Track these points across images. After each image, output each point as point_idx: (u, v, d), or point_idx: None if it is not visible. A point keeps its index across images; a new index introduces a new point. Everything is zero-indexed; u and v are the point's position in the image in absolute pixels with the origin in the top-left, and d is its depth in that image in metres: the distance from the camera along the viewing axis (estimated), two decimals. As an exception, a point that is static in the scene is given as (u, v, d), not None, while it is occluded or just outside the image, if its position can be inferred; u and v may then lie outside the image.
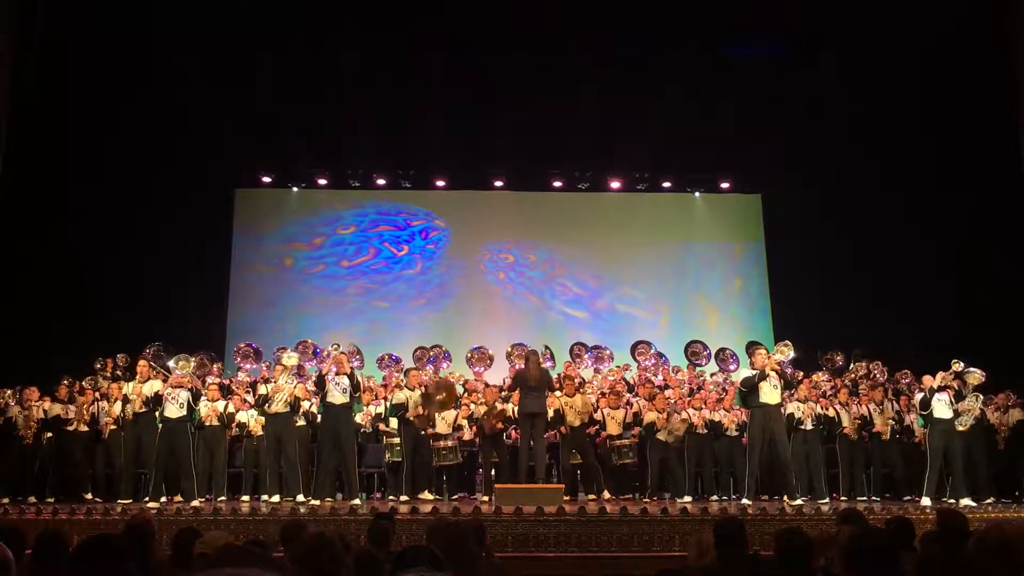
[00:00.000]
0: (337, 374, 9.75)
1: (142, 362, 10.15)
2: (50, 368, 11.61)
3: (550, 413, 10.32)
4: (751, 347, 10.47)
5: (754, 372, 9.59)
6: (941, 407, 9.80)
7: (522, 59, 13.31)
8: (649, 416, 10.79)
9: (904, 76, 13.07)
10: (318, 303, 15.21)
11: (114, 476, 10.17)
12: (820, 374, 11.92)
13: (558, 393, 10.66)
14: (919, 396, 10.04)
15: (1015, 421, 11.07)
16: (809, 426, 10.56)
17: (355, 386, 9.80)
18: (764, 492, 10.54)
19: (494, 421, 10.31)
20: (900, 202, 13.83)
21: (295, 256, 15.47)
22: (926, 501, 9.44)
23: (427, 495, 10.18)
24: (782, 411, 9.83)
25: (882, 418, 10.88)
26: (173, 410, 9.58)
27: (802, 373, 11.41)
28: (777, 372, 9.55)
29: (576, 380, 11.06)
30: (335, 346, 10.28)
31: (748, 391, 9.59)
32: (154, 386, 9.79)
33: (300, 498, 9.41)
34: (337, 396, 9.67)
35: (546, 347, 12.44)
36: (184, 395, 9.64)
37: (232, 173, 15.13)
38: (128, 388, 9.98)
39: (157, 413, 9.65)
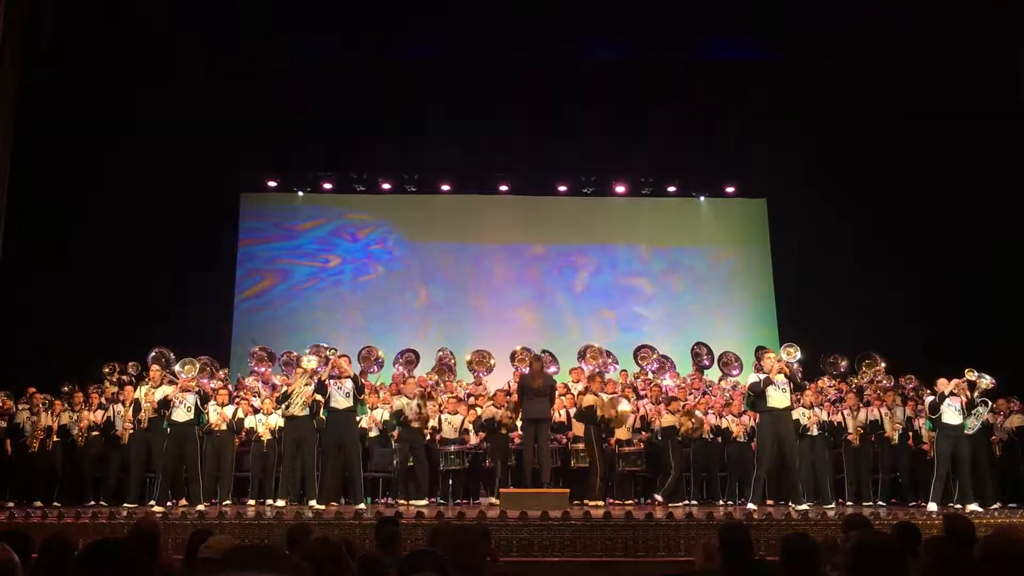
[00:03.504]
0: (339, 378, 9.77)
1: (155, 367, 10.18)
2: (54, 371, 11.67)
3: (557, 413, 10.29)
4: (759, 351, 10.48)
5: (760, 377, 9.59)
6: (950, 413, 9.76)
7: (527, 64, 13.34)
8: (668, 419, 10.81)
9: (906, 77, 13.06)
10: (324, 306, 15.24)
11: (127, 481, 10.18)
12: (825, 379, 11.91)
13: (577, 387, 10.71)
14: (929, 400, 10.01)
15: (1015, 427, 11.03)
16: (815, 432, 10.55)
17: (359, 389, 9.83)
18: (770, 496, 10.53)
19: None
20: (904, 205, 13.82)
21: (300, 260, 15.49)
22: (932, 506, 9.41)
23: (422, 501, 10.18)
24: (791, 415, 9.81)
25: (891, 422, 10.86)
26: (180, 414, 9.62)
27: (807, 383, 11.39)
28: (785, 375, 9.55)
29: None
30: (333, 351, 10.28)
31: (756, 396, 9.59)
32: (163, 390, 9.81)
33: (313, 503, 9.42)
34: (340, 400, 9.69)
35: (545, 351, 12.45)
36: (191, 399, 9.67)
37: (237, 177, 15.17)
38: (140, 393, 10.01)
39: (165, 417, 9.67)
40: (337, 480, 10.06)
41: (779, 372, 9.54)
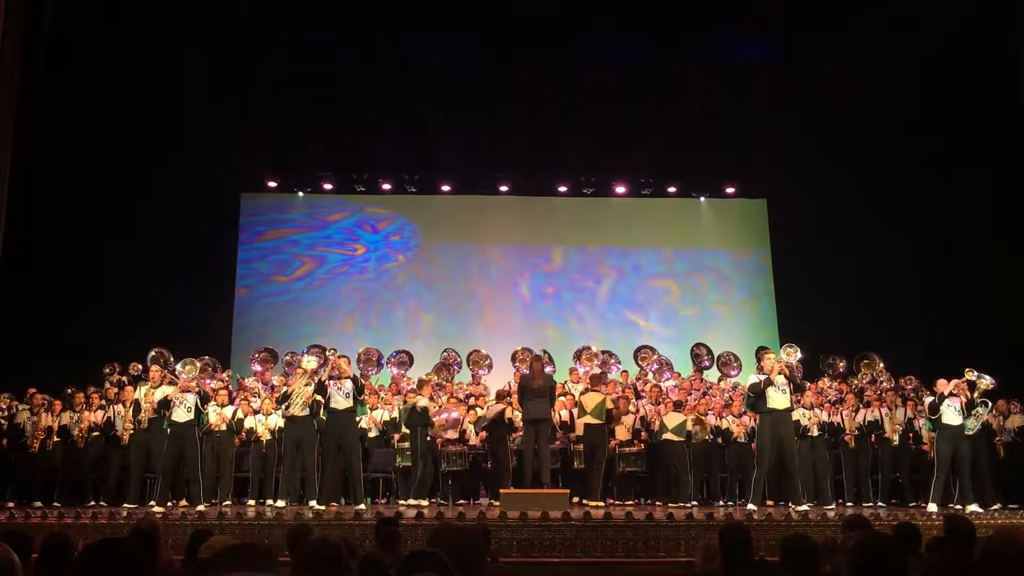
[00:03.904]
0: (339, 379, 9.76)
1: (154, 368, 10.17)
2: (54, 371, 11.67)
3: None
4: (760, 352, 10.49)
5: (761, 378, 9.59)
6: (951, 413, 9.75)
7: (527, 64, 13.33)
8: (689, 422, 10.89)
9: (905, 76, 13.05)
10: (324, 306, 15.24)
11: (127, 481, 10.18)
12: (826, 380, 11.91)
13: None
14: (929, 400, 10.00)
15: (1016, 427, 11.01)
16: (815, 432, 10.54)
17: (359, 389, 9.82)
18: (771, 497, 10.52)
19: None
20: (904, 204, 13.81)
21: (300, 260, 15.49)
22: (932, 507, 9.40)
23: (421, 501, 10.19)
24: (791, 415, 9.81)
25: (892, 423, 10.84)
26: (181, 414, 9.62)
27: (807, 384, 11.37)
28: (785, 376, 9.55)
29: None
30: (333, 351, 10.29)
31: (756, 396, 9.59)
32: (163, 391, 9.80)
33: (313, 503, 9.42)
34: (340, 401, 9.69)
35: (544, 351, 12.45)
36: (192, 399, 9.67)
37: (237, 177, 15.17)
38: (140, 393, 10.00)
39: (165, 417, 9.67)
40: (337, 480, 10.06)
41: (779, 373, 9.54)
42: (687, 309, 15.53)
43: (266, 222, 15.62)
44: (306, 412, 9.73)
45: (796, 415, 10.25)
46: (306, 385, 9.74)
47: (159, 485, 9.66)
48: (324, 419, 9.87)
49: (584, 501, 10.03)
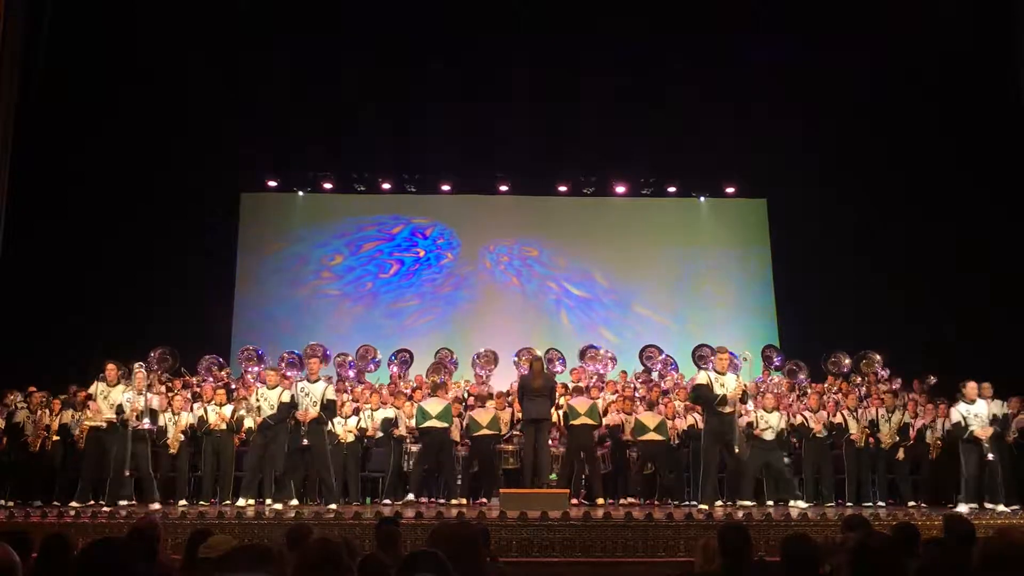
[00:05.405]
0: (310, 380, 9.71)
1: (110, 365, 10.08)
2: (55, 371, 11.66)
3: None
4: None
5: (711, 376, 9.56)
6: (977, 422, 9.73)
7: (527, 64, 13.34)
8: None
9: (909, 76, 13.06)
10: (322, 306, 15.25)
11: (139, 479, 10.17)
12: (827, 382, 11.91)
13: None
14: (955, 417, 9.91)
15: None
16: (823, 433, 10.52)
17: (330, 402, 9.71)
18: (770, 499, 10.50)
19: None
20: (905, 204, 13.81)
21: (300, 260, 15.50)
22: (963, 508, 9.38)
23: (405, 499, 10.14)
24: (735, 417, 9.61)
25: (888, 427, 10.80)
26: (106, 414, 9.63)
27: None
28: (738, 388, 9.48)
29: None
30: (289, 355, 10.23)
31: (702, 398, 9.60)
32: (120, 390, 9.78)
33: (268, 501, 9.46)
34: (310, 411, 9.56)
35: (552, 349, 12.46)
36: (121, 398, 9.64)
37: (237, 178, 15.17)
38: (97, 390, 9.96)
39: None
40: (298, 483, 10.05)
41: (729, 374, 9.53)
42: (687, 309, 15.52)
43: (266, 222, 15.63)
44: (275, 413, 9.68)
45: (752, 417, 10.25)
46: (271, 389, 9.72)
47: (146, 485, 9.69)
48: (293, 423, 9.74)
49: (600, 500, 10.10)
